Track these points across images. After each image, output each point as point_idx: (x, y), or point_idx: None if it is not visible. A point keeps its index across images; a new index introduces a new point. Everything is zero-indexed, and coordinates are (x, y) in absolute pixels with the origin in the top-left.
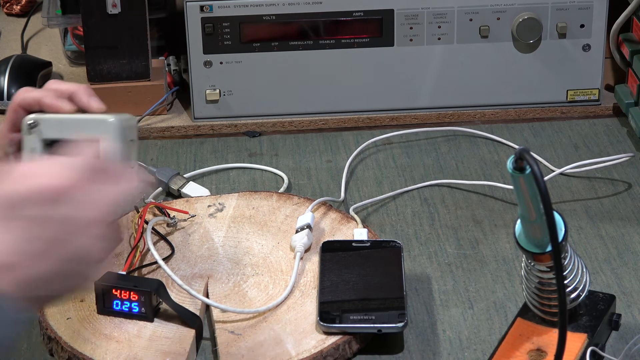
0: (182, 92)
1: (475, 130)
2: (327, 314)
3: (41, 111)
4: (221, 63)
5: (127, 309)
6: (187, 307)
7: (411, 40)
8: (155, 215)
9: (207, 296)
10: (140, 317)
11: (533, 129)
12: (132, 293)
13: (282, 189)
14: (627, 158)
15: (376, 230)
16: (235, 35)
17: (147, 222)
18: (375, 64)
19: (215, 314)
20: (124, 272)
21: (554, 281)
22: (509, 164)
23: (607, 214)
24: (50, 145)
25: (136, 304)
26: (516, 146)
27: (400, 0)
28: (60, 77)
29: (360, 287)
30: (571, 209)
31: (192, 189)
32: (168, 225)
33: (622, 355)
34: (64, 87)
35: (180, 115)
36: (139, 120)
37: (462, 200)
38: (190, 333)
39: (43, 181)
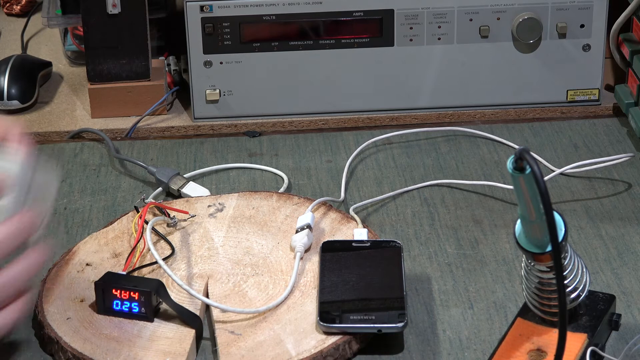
0: (182, 92)
1: (475, 130)
2: (327, 314)
3: None
4: (221, 63)
5: (127, 309)
6: (187, 307)
7: (411, 40)
8: (155, 215)
9: (207, 296)
10: (140, 317)
11: (533, 129)
12: (132, 293)
13: (282, 189)
14: (627, 158)
15: (376, 230)
16: (235, 35)
17: (147, 222)
18: (375, 64)
19: (215, 314)
20: (124, 272)
21: (554, 281)
22: (509, 164)
23: (607, 214)
24: None
25: (136, 304)
26: (516, 146)
27: (400, 0)
28: (60, 77)
29: (360, 287)
30: (571, 209)
31: (192, 189)
32: (168, 225)
33: (622, 355)
34: None
35: (180, 115)
36: (137, 121)
37: (462, 200)
38: (190, 333)
39: None
